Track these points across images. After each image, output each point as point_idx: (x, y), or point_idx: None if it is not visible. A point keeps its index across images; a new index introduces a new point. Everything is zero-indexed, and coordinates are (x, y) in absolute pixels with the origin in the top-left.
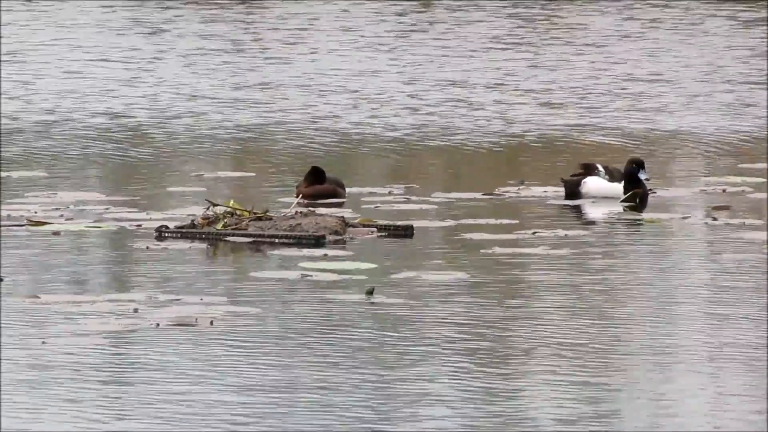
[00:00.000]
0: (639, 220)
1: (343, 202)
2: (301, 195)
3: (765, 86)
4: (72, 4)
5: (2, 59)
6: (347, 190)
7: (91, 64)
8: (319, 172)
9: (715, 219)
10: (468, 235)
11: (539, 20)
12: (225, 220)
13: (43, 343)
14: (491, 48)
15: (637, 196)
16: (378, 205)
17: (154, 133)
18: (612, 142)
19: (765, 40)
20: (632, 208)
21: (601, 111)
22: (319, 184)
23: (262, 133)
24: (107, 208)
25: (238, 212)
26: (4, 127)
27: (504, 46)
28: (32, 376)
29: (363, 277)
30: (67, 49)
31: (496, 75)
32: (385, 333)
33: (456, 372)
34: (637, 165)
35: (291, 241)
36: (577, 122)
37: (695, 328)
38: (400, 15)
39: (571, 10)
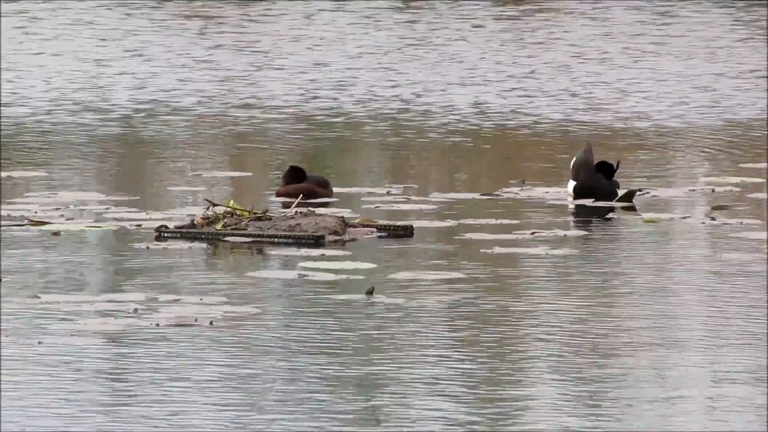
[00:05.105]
0: (638, 219)
1: (327, 202)
2: (278, 194)
3: (765, 84)
4: (65, 5)
5: (1, 59)
6: (347, 190)
7: (88, 64)
8: (297, 172)
9: (713, 219)
10: (468, 235)
11: (540, 19)
12: (225, 220)
13: (39, 343)
14: (492, 47)
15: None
16: (378, 205)
17: (154, 133)
18: (614, 142)
19: (764, 38)
20: (628, 208)
21: (603, 110)
22: (297, 184)
23: (261, 133)
24: (107, 208)
25: (237, 212)
26: (4, 127)
27: (505, 45)
28: (32, 376)
29: (363, 277)
30: (64, 49)
31: (497, 74)
32: (384, 333)
33: (456, 372)
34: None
35: (290, 241)
36: (578, 121)
37: (695, 327)
38: (397, 13)
39: (572, 9)
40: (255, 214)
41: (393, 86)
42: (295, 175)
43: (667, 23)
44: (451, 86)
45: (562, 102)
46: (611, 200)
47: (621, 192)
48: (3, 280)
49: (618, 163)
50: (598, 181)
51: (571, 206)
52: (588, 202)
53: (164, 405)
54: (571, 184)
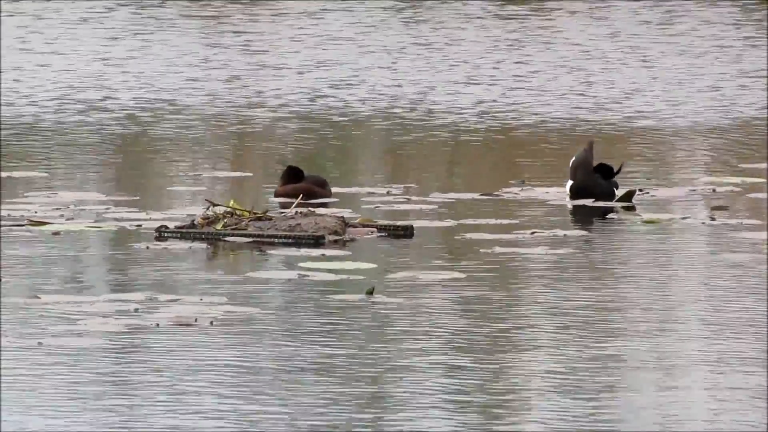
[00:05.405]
0: (638, 219)
1: (327, 202)
2: (276, 194)
3: (765, 84)
4: (70, 4)
5: (2, 59)
6: (347, 190)
7: (90, 63)
8: (295, 172)
9: (713, 219)
10: (468, 235)
11: (544, 18)
12: (225, 220)
13: (39, 344)
14: (496, 46)
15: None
16: (378, 205)
17: (154, 133)
18: (615, 141)
19: (764, 37)
20: (628, 208)
21: (604, 110)
22: (295, 184)
23: (263, 132)
24: (107, 208)
25: (237, 212)
26: (5, 127)
27: (509, 44)
28: (32, 376)
29: (363, 277)
30: (65, 49)
31: (497, 73)
32: (385, 333)
33: (455, 372)
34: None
35: (290, 241)
36: (580, 120)
37: (695, 328)
38: (401, 12)
39: (575, 8)
40: (255, 214)
41: (396, 85)
42: (293, 175)
43: (671, 23)
44: (455, 85)
45: (564, 101)
46: (609, 200)
47: (619, 192)
48: (3, 280)
49: (621, 165)
50: (594, 181)
51: (571, 206)
52: (588, 202)
53: (164, 405)
54: (569, 183)
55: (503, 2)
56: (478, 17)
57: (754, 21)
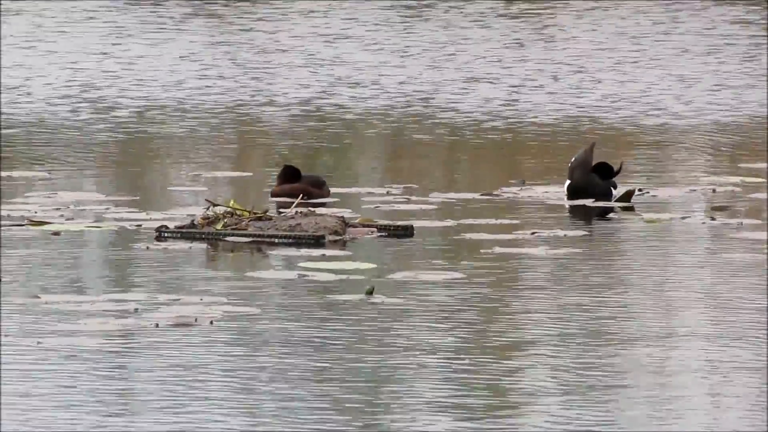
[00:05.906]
0: (638, 219)
1: (326, 202)
2: (272, 194)
3: (765, 84)
4: (72, 4)
5: (2, 58)
6: (347, 190)
7: (90, 63)
8: (292, 171)
9: (713, 219)
10: (468, 235)
11: (546, 18)
12: (225, 220)
13: (39, 343)
14: (493, 45)
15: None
16: (378, 205)
17: (156, 132)
18: (615, 141)
19: (765, 37)
20: (628, 208)
21: (605, 110)
22: (292, 184)
23: (265, 132)
24: (107, 208)
25: (238, 212)
26: (5, 127)
27: (505, 43)
28: (32, 376)
29: (363, 277)
30: (66, 48)
31: (498, 72)
32: (384, 333)
33: (455, 372)
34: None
35: (290, 241)
36: (580, 120)
37: (695, 328)
38: (405, 11)
39: (578, 8)
40: (255, 214)
41: (399, 84)
42: (289, 174)
43: (674, 22)
44: (459, 84)
45: (567, 101)
46: (606, 200)
47: (617, 192)
48: (3, 280)
49: (621, 164)
50: (590, 181)
51: (571, 206)
52: (588, 202)
53: (164, 405)
54: (567, 183)
55: (508, 1)
56: (483, 16)
57: (760, 21)
